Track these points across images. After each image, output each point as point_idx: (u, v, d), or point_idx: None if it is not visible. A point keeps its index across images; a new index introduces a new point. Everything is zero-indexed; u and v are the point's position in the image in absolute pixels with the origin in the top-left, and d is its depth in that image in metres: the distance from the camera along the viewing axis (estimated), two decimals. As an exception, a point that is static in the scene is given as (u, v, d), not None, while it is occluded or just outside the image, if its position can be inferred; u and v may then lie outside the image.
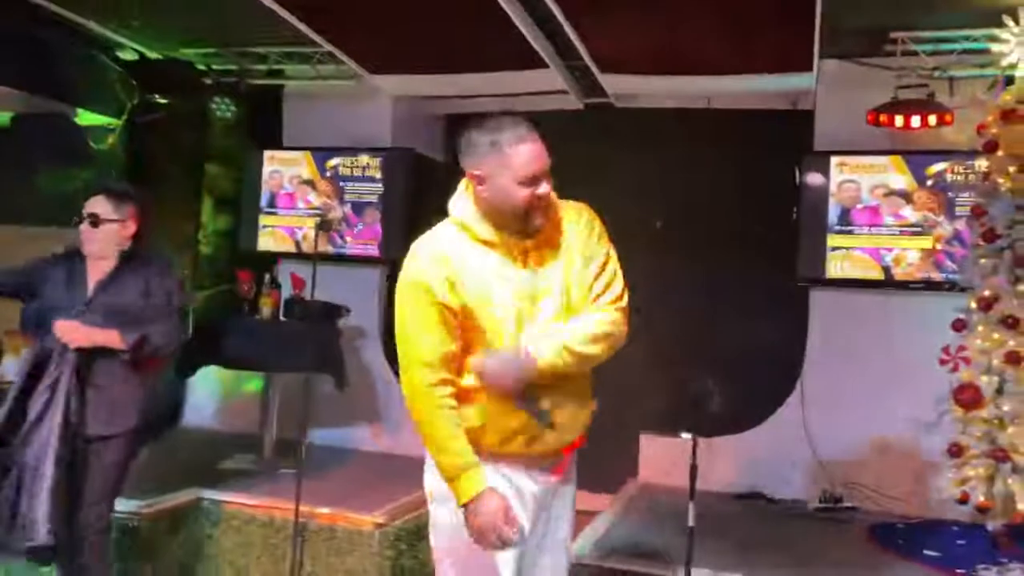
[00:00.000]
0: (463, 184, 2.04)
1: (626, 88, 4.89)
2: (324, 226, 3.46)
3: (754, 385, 4.52)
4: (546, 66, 4.57)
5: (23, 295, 2.88)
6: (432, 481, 2.06)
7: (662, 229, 5.26)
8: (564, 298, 2.01)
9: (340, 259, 5.15)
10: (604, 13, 3.95)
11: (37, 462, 2.62)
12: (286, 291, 4.68)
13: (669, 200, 5.22)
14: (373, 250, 5.21)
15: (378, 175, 5.21)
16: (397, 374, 4.65)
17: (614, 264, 2.08)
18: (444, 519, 2.03)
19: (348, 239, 5.22)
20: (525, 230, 1.97)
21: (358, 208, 5.23)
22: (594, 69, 4.60)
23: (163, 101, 5.34)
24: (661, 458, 4.65)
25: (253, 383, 5.41)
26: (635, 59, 4.49)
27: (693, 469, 2.75)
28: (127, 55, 5.25)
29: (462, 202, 2.02)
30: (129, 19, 4.79)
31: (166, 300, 2.88)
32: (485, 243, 1.97)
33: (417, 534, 3.64)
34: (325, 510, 3.56)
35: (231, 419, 5.48)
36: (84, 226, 2.87)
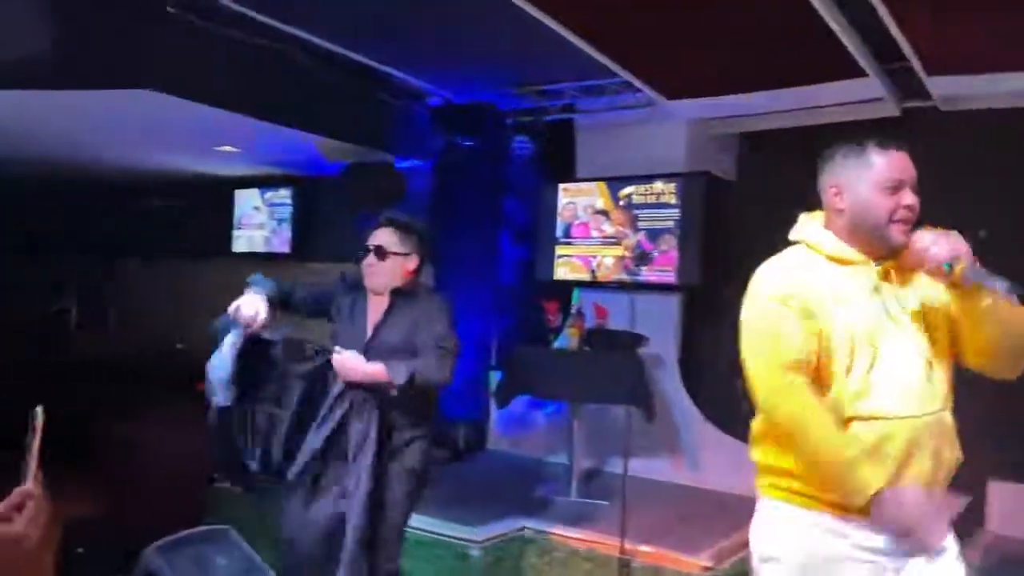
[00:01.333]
0: (804, 216, 1.92)
1: (956, 90, 4.37)
2: (643, 259, 3.40)
3: None
4: (862, 74, 4.21)
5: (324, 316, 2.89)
6: (761, 542, 1.86)
7: (987, 240, 4.61)
8: (926, 336, 1.77)
9: (636, 286, 5.12)
10: (938, 8, 3.55)
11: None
12: (589, 320, 4.73)
13: (996, 209, 4.57)
14: (669, 277, 5.11)
15: (673, 201, 5.12)
16: (696, 402, 4.49)
17: None
18: None
19: (643, 268, 5.17)
20: (886, 247, 1.77)
21: (652, 235, 5.17)
22: (920, 71, 4.16)
23: (467, 142, 5.68)
24: (1017, 508, 4.05)
25: (551, 408, 5.55)
26: (968, 57, 3.99)
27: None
28: (435, 101, 5.67)
29: (810, 226, 1.88)
30: (438, 68, 5.16)
31: (436, 339, 2.70)
32: (839, 261, 1.80)
33: (745, 580, 3.46)
34: (649, 548, 3.49)
35: (533, 445, 5.64)
36: (369, 259, 2.77)
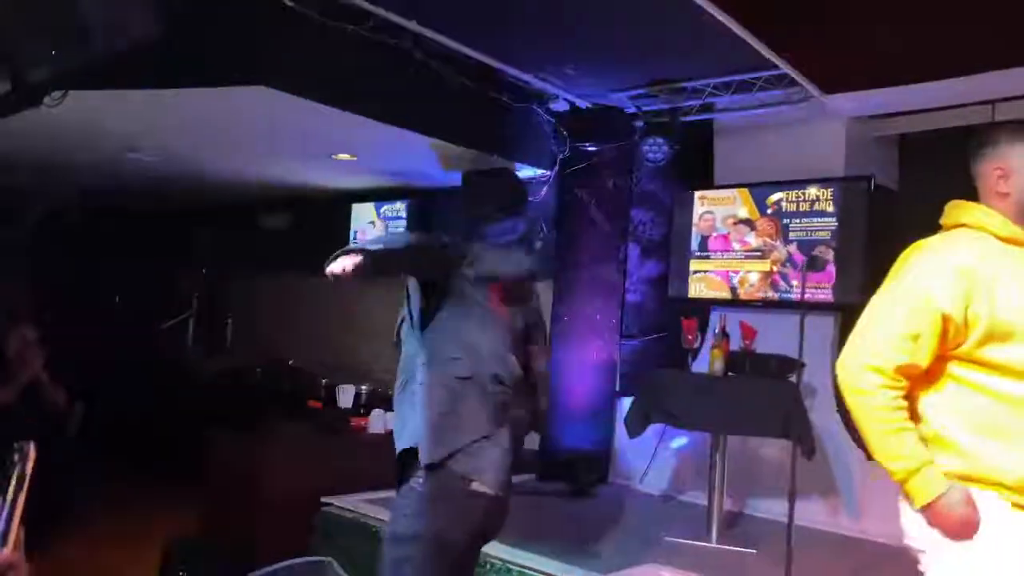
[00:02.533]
0: (954, 204, 1.86)
1: None
2: (813, 264, 2.87)
3: None
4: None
5: None
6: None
7: None
8: None
9: (787, 305, 4.54)
10: None
11: None
12: (734, 342, 4.19)
13: None
14: (825, 294, 4.50)
15: (830, 208, 4.53)
16: (854, 438, 3.85)
17: None
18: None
19: (795, 283, 4.59)
20: None
21: (805, 247, 4.58)
22: None
23: (592, 149, 5.28)
24: None
25: (680, 441, 5.02)
26: None
27: None
28: (559, 105, 5.29)
29: (976, 210, 1.81)
30: (565, 68, 4.78)
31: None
32: (1014, 243, 1.76)
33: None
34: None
35: (660, 480, 5.11)
36: None
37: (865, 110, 4.55)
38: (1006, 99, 4.23)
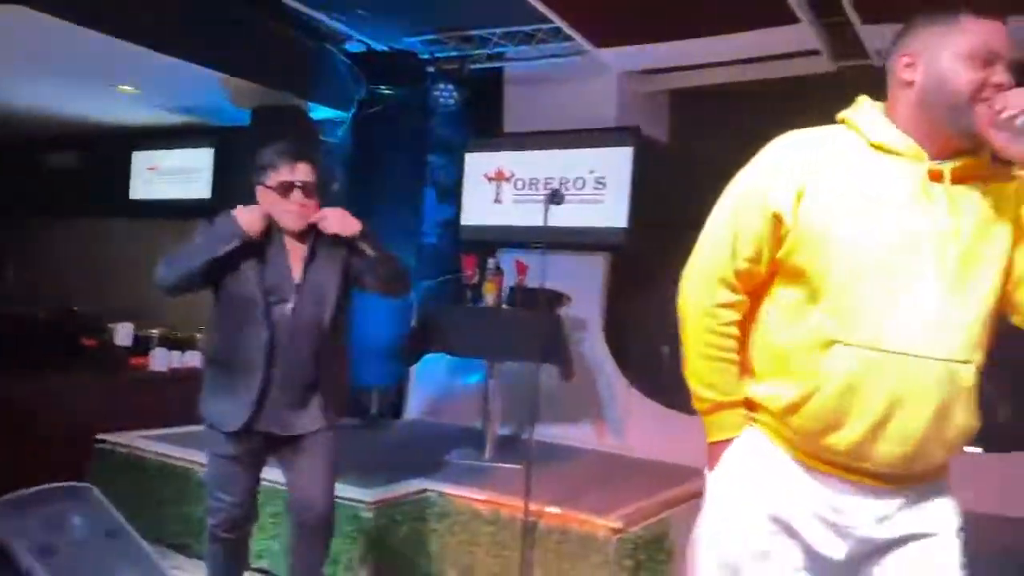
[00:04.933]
0: (863, 98, 1.54)
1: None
2: (554, 198, 3.15)
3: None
4: (796, 20, 4.02)
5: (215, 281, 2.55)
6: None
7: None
8: (973, 268, 1.41)
9: (561, 246, 4.88)
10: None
11: None
12: (509, 278, 4.47)
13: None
14: (597, 236, 4.88)
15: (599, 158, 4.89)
16: (621, 367, 4.26)
17: None
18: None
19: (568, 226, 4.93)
20: (963, 135, 1.41)
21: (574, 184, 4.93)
22: (854, 19, 3.99)
23: (388, 92, 5.36)
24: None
25: (474, 376, 5.30)
26: (905, 4, 3.83)
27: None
28: (355, 47, 5.33)
29: (864, 106, 1.52)
30: (356, 9, 4.83)
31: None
32: (883, 150, 1.44)
33: (657, 545, 3.24)
34: (555, 510, 3.26)
35: (452, 413, 5.40)
36: (298, 197, 2.50)
37: (635, 65, 4.91)
38: (769, 57, 4.66)
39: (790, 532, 1.46)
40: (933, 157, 1.44)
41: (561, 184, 4.93)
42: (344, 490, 3.29)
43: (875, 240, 1.39)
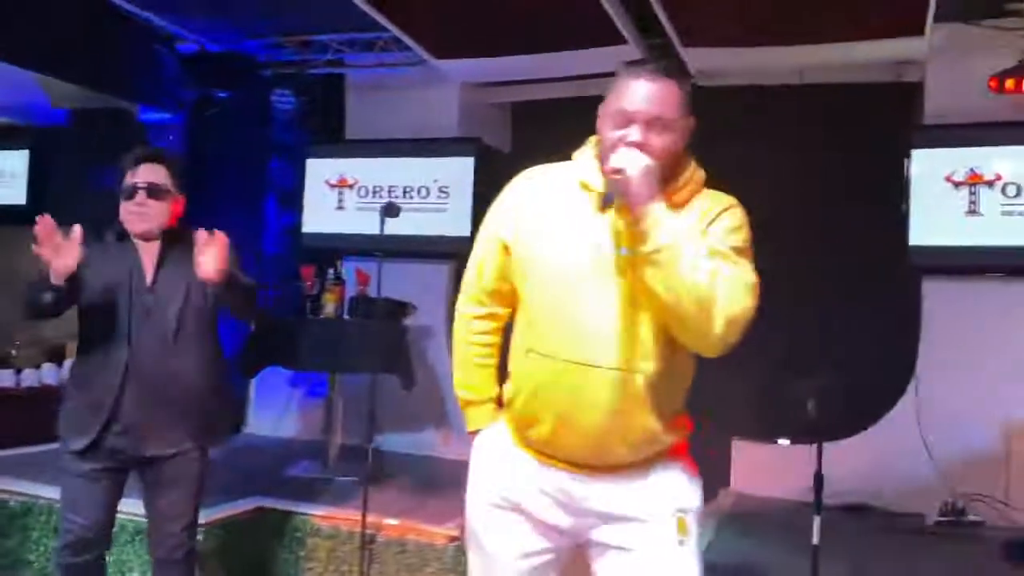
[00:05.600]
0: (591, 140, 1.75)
1: (711, 63, 4.50)
2: (390, 211, 3.17)
3: (862, 385, 4.07)
4: (623, 41, 4.23)
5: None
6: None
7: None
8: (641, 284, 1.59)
9: (406, 255, 4.89)
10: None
11: None
12: (351, 288, 4.43)
13: (758, 188, 4.77)
14: (440, 244, 4.93)
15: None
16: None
17: (752, 271, 1.59)
18: None
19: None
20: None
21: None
22: (676, 42, 4.24)
23: (223, 95, 5.18)
24: (757, 466, 4.25)
25: (317, 388, 5.21)
26: (723, 29, 4.12)
27: (818, 479, 2.40)
28: (188, 47, 5.12)
29: (583, 149, 1.75)
30: (189, 11, 4.64)
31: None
32: (582, 185, 1.67)
33: (494, 549, 3.32)
34: (394, 521, 3.27)
35: (295, 426, 5.28)
36: (140, 198, 2.41)
37: (474, 77, 5.00)
38: (604, 74, 4.87)
39: (516, 508, 1.70)
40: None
41: (405, 192, 4.96)
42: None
43: (557, 262, 1.63)
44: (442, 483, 4.09)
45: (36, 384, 5.10)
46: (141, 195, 2.43)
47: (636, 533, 1.63)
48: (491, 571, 1.75)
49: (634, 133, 1.56)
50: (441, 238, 4.91)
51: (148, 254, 2.47)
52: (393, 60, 4.89)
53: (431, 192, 5.03)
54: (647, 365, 1.58)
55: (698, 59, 4.41)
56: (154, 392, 2.40)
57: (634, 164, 1.51)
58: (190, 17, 4.75)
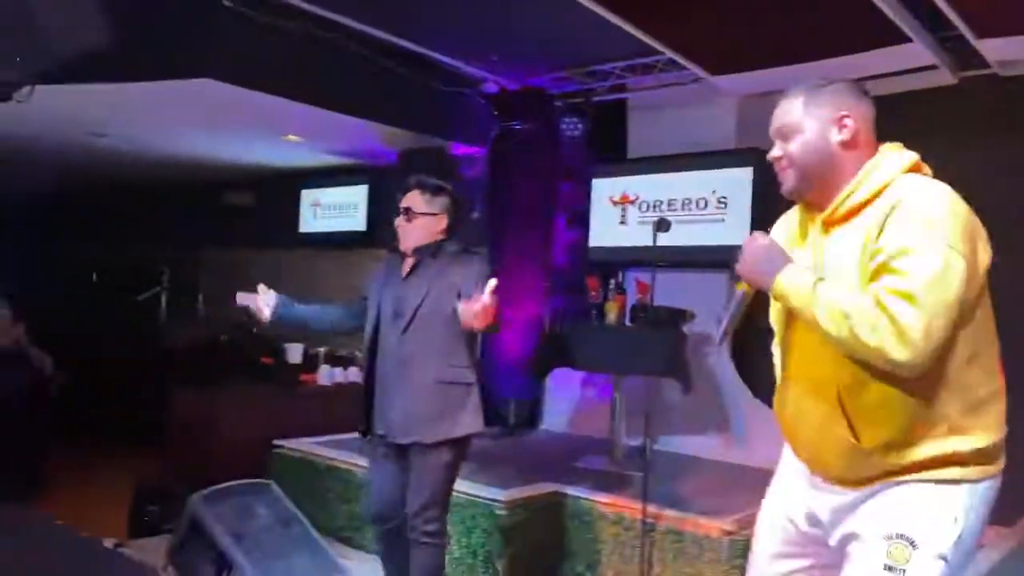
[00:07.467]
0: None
1: (1011, 53, 4.18)
2: (661, 226, 3.44)
3: None
4: (908, 40, 4.09)
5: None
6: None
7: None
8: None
9: (686, 264, 5.12)
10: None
11: None
12: (632, 297, 4.77)
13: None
14: (719, 255, 5.08)
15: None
16: (746, 380, 4.41)
17: (926, 266, 1.50)
18: None
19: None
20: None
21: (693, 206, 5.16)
22: (968, 36, 4.02)
23: (520, 127, 5.80)
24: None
25: (604, 391, 5.60)
26: (1019, 16, 3.83)
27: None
28: (490, 88, 5.82)
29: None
30: (491, 55, 5.30)
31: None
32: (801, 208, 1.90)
33: (769, 546, 3.44)
34: (672, 512, 3.53)
35: (584, 424, 5.72)
36: (399, 220, 2.87)
37: (750, 89, 5.07)
38: (888, 74, 4.73)
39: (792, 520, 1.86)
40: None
41: (683, 204, 5.18)
42: (482, 490, 3.72)
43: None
44: (719, 483, 4.26)
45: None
46: (399, 218, 2.90)
47: (853, 550, 1.69)
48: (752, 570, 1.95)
49: (774, 149, 1.82)
50: (719, 248, 5.06)
51: (405, 268, 2.93)
52: (671, 80, 5.14)
53: (709, 203, 5.20)
54: (842, 375, 1.65)
55: (995, 50, 4.13)
56: (409, 384, 2.90)
57: (744, 252, 1.78)
58: (492, 62, 5.41)
